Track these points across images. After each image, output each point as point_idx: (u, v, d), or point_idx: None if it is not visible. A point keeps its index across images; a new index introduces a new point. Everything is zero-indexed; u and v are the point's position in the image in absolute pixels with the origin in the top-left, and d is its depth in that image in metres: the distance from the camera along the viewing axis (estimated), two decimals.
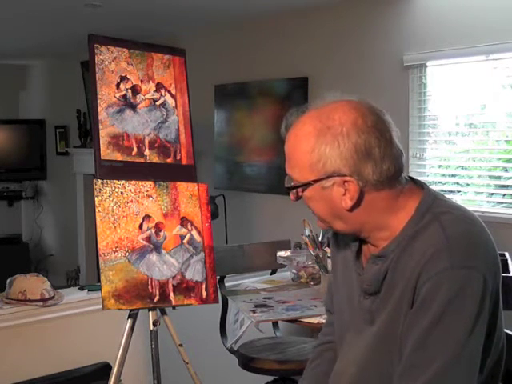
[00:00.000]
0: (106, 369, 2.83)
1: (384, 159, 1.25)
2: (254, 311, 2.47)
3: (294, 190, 1.33)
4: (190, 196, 2.36)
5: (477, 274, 1.20)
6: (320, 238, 2.95)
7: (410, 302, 1.25)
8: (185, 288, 2.27)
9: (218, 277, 2.76)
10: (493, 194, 3.90)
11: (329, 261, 2.79)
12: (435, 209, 1.28)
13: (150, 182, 2.30)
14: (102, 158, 2.27)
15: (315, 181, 1.28)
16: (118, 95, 2.34)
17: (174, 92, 2.46)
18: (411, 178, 1.36)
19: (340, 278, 1.48)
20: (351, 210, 1.29)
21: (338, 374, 1.45)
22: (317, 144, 1.26)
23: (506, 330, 1.36)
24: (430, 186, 1.37)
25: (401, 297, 1.26)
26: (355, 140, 1.24)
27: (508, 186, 3.81)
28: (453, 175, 4.09)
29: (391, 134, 1.28)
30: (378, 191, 1.28)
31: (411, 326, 1.24)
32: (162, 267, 2.24)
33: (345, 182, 1.26)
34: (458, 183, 4.06)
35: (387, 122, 1.29)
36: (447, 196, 1.39)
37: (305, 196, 1.33)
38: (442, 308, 1.19)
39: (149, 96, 2.41)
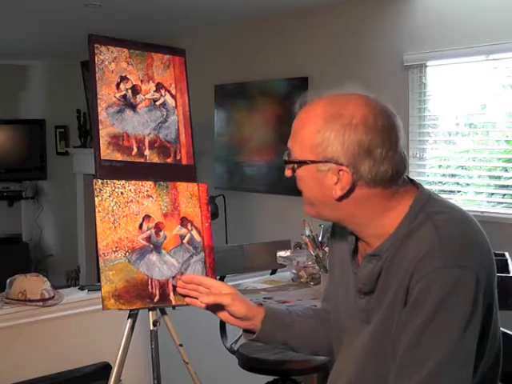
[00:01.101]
0: (106, 369, 2.83)
1: (384, 161, 1.26)
2: None
3: (291, 165, 1.33)
4: (190, 196, 2.36)
5: (469, 273, 1.20)
6: (320, 238, 2.95)
7: (404, 301, 1.25)
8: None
9: (218, 277, 2.76)
10: (493, 194, 3.90)
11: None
12: (429, 208, 1.28)
13: (150, 182, 2.30)
14: (101, 157, 2.27)
15: (312, 161, 1.28)
16: (118, 95, 2.34)
17: (174, 92, 2.46)
18: (408, 178, 1.36)
19: (337, 277, 1.49)
20: (340, 199, 1.29)
21: (337, 374, 1.45)
22: (323, 127, 1.27)
23: (505, 330, 1.36)
24: (430, 186, 1.37)
25: (394, 296, 1.27)
26: (361, 135, 1.25)
27: (508, 185, 3.81)
28: (453, 175, 4.09)
29: (397, 140, 1.28)
30: (369, 188, 1.28)
31: (404, 326, 1.24)
32: (162, 267, 2.24)
33: (340, 171, 1.26)
34: (458, 183, 4.06)
35: (397, 126, 1.29)
36: (447, 196, 1.39)
37: (298, 175, 1.33)
38: (435, 307, 1.19)
39: (149, 96, 2.40)
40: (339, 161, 1.26)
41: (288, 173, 1.35)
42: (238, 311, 1.48)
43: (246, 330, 1.54)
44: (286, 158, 1.34)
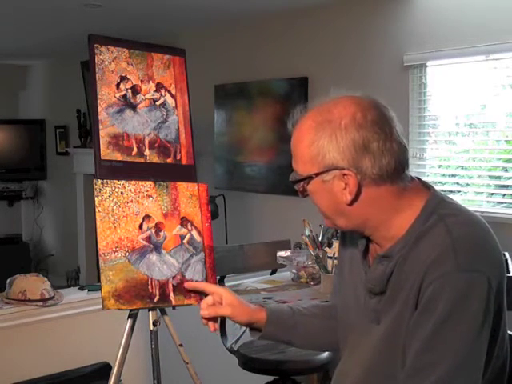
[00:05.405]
0: (106, 369, 2.83)
1: (384, 153, 1.25)
2: None
3: (300, 184, 1.34)
4: (190, 196, 2.35)
5: (481, 277, 1.20)
6: (320, 238, 2.95)
7: (415, 304, 1.24)
8: (185, 288, 2.26)
9: (218, 277, 2.76)
10: (493, 194, 3.90)
11: (329, 261, 2.79)
12: (441, 210, 1.28)
13: (150, 182, 2.30)
14: (101, 157, 2.27)
15: (316, 174, 1.29)
16: (118, 95, 2.33)
17: (174, 92, 2.46)
18: (419, 179, 1.36)
19: (347, 276, 1.48)
20: (351, 204, 1.29)
21: (343, 374, 1.45)
22: (316, 137, 1.27)
23: (510, 332, 1.35)
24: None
25: (406, 298, 1.26)
26: (353, 134, 1.25)
27: (508, 185, 3.81)
28: (453, 175, 4.09)
29: (392, 130, 1.27)
30: (377, 186, 1.28)
31: (416, 328, 1.23)
32: (162, 267, 2.24)
33: (344, 175, 1.27)
34: (458, 183, 4.06)
35: (389, 116, 1.29)
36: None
37: (309, 190, 1.33)
38: (447, 310, 1.19)
39: (149, 96, 2.40)
40: (339, 165, 1.26)
41: (300, 193, 1.35)
42: (239, 321, 1.54)
43: (251, 328, 1.58)
44: (293, 179, 1.34)
